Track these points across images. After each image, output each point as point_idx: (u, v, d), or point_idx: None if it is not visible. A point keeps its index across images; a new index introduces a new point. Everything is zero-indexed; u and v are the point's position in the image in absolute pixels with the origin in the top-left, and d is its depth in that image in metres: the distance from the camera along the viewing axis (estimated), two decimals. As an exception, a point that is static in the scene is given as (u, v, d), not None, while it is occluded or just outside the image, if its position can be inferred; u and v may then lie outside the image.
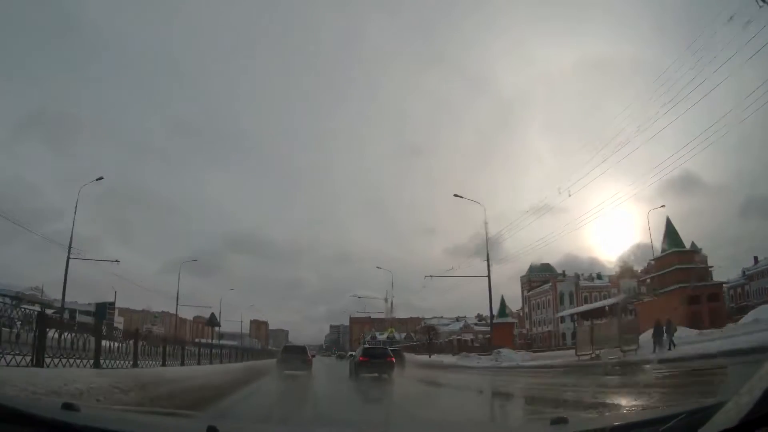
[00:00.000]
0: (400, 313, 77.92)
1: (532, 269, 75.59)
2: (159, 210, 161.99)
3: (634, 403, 7.14)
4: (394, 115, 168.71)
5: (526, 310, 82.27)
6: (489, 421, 6.51)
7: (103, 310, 65.41)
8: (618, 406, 7.05)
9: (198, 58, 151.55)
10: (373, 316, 77.57)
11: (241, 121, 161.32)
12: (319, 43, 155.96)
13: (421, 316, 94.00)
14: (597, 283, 72.80)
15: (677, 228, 36.84)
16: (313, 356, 31.53)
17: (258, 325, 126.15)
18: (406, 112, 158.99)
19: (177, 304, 51.49)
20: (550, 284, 76.54)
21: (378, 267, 60.39)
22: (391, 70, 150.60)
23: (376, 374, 17.40)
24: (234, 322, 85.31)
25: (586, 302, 59.77)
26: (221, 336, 71.25)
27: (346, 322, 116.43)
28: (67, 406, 1.97)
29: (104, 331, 9.96)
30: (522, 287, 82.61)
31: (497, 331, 43.35)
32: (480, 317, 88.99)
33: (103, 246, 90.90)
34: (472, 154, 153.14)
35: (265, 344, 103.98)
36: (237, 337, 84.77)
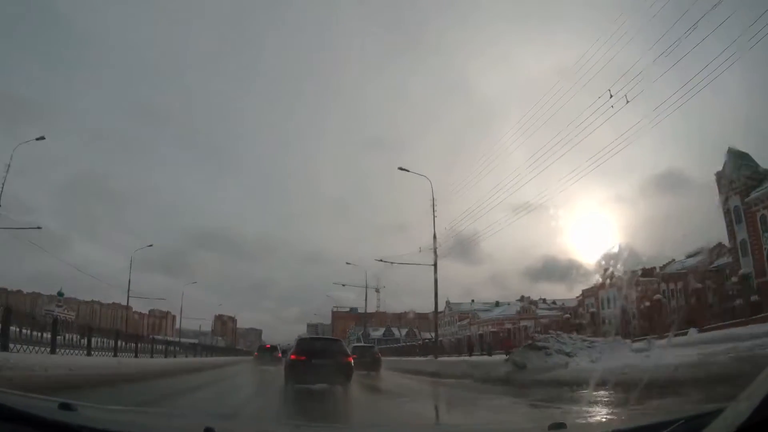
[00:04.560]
0: (394, 307, 72.89)
1: (734, 155, 38.24)
2: (121, 201, 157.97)
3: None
4: (365, 111, 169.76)
5: (752, 238, 37.21)
6: (486, 424, 6.61)
7: None
8: (616, 411, 7.19)
9: (165, 46, 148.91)
10: (358, 312, 72.93)
11: (200, 116, 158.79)
12: (289, 34, 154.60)
13: (415, 311, 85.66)
14: None
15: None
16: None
17: (224, 321, 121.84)
18: (377, 107, 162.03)
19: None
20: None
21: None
22: (366, 65, 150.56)
23: (324, 383, 11.46)
24: (197, 319, 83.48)
25: None
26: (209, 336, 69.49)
27: (325, 321, 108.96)
28: (64, 406, 2.06)
29: None
30: (724, 196, 38.54)
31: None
32: (523, 298, 78.80)
33: (66, 240, 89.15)
34: (444, 152, 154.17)
35: (234, 342, 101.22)
36: (200, 335, 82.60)
